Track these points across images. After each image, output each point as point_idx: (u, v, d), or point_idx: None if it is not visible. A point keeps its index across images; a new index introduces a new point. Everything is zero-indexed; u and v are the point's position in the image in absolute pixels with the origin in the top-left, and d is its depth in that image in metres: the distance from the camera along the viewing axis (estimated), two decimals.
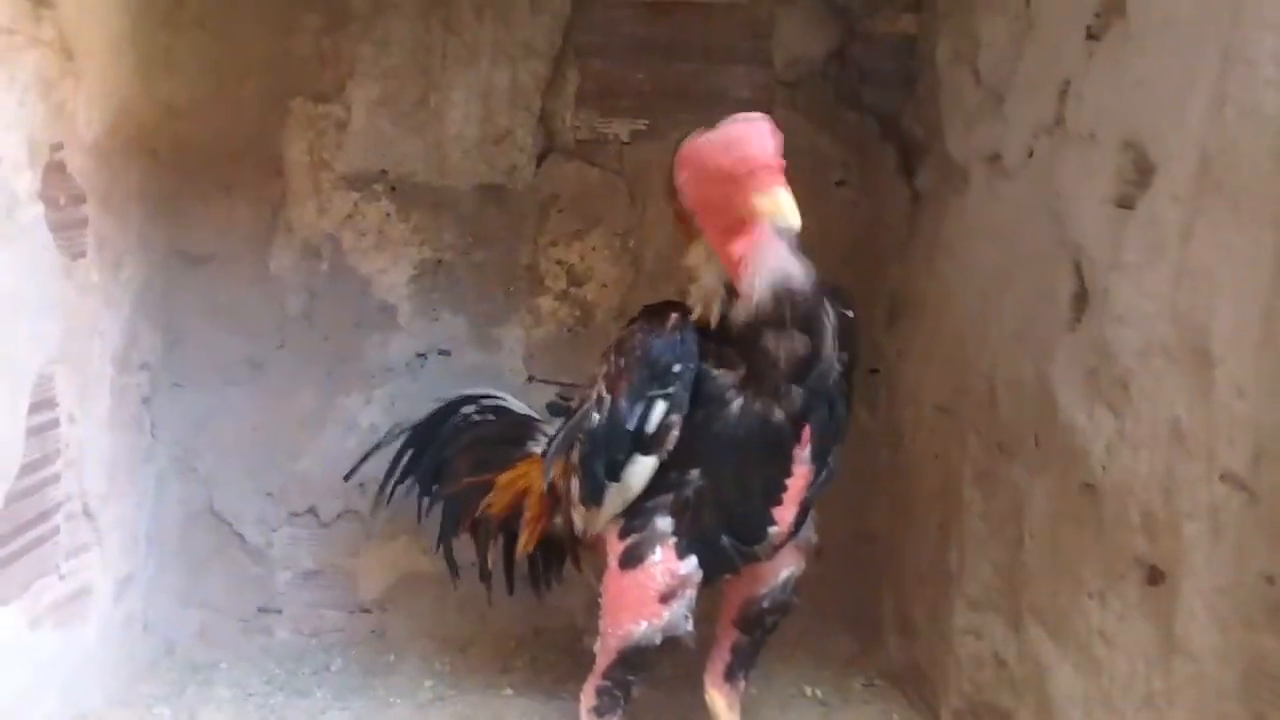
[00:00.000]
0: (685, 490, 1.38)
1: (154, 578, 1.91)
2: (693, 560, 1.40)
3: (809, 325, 1.29)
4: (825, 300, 1.31)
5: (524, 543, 1.68)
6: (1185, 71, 1.13)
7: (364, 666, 1.94)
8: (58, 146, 1.54)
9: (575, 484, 1.47)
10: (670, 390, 1.33)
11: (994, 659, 1.54)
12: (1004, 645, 1.51)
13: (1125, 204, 1.23)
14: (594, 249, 2.06)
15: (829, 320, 1.31)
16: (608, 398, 1.39)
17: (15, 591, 1.47)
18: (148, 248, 1.84)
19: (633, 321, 1.44)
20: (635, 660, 1.43)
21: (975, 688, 1.60)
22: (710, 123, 1.32)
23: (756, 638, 1.54)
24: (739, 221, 1.27)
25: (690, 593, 1.41)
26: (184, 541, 1.99)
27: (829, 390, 1.33)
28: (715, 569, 1.43)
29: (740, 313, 1.31)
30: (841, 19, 2.03)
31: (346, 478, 1.94)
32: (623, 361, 1.39)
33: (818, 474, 1.38)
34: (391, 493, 1.87)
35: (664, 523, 1.40)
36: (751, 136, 1.20)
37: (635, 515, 1.41)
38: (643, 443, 1.35)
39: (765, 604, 1.51)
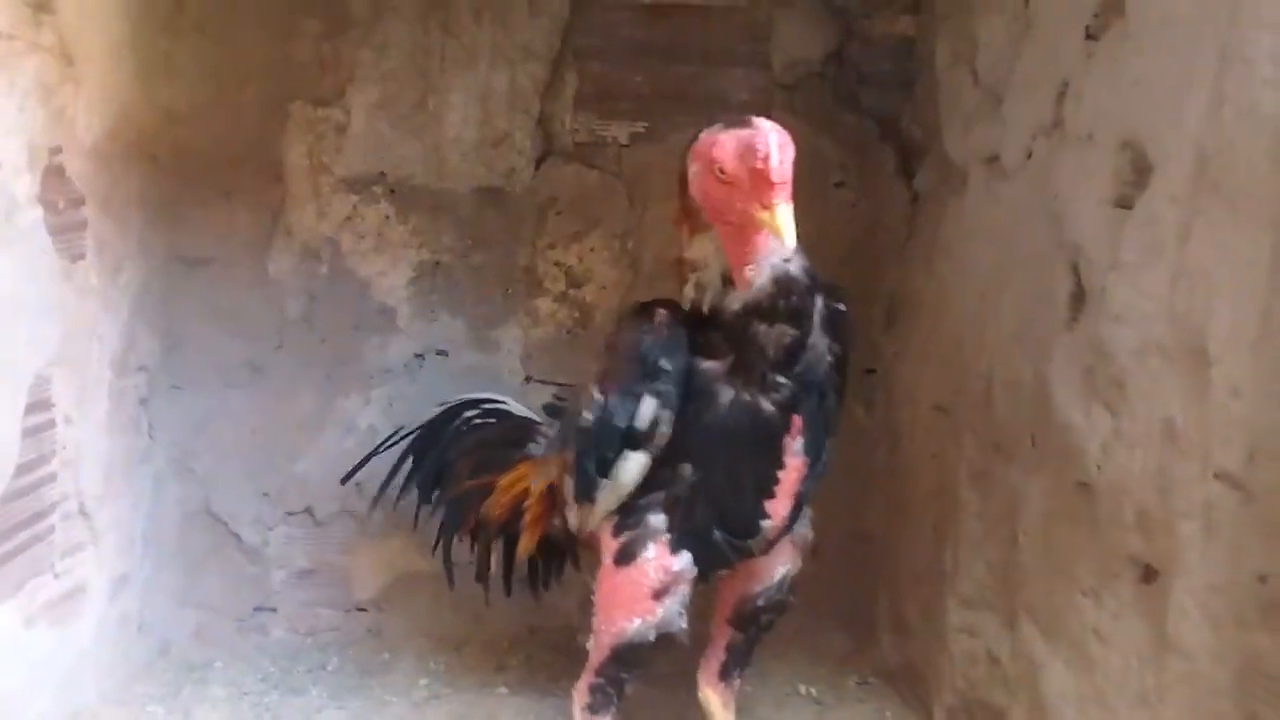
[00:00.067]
0: (677, 486, 1.39)
1: (150, 577, 1.91)
2: (686, 556, 1.40)
3: (798, 316, 1.30)
4: (817, 294, 1.32)
5: (524, 544, 1.68)
6: (1183, 71, 1.13)
7: (360, 665, 1.94)
8: (57, 150, 1.54)
9: (569, 482, 1.47)
10: (660, 386, 1.33)
11: (988, 657, 1.54)
12: (998, 643, 1.51)
13: (1123, 204, 1.24)
14: (592, 251, 2.06)
15: (817, 311, 1.31)
16: (599, 395, 1.40)
17: (10, 590, 1.47)
18: (147, 251, 1.85)
19: (623, 318, 1.44)
20: (629, 657, 1.43)
21: (969, 685, 1.60)
22: (712, 124, 1.31)
23: (751, 636, 1.55)
24: (743, 220, 1.27)
25: (684, 589, 1.41)
26: (180, 541, 2.00)
27: (819, 381, 1.34)
28: (709, 565, 1.43)
29: (734, 301, 1.32)
30: (840, 21, 2.03)
31: (344, 481, 1.95)
32: (613, 359, 1.40)
33: (811, 467, 1.38)
34: (396, 497, 1.87)
35: (657, 519, 1.40)
36: (766, 147, 1.20)
37: (628, 512, 1.41)
38: (634, 439, 1.36)
39: (760, 602, 1.51)
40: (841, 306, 1.35)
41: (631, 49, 2.02)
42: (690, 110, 1.96)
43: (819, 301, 1.32)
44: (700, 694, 1.57)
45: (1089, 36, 1.34)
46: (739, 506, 1.39)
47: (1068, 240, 1.36)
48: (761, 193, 1.21)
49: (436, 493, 1.83)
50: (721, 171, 1.24)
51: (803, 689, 1.88)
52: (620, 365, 1.37)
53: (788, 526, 1.44)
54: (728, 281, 1.33)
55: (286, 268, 1.99)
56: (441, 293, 2.03)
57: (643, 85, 2.03)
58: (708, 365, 1.34)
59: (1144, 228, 1.19)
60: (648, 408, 1.34)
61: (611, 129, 2.04)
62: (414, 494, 1.86)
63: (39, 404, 1.51)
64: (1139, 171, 1.21)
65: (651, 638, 1.41)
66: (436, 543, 1.82)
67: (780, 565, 1.51)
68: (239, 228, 1.97)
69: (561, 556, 1.73)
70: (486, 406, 1.88)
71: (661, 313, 1.38)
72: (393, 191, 2.00)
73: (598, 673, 1.46)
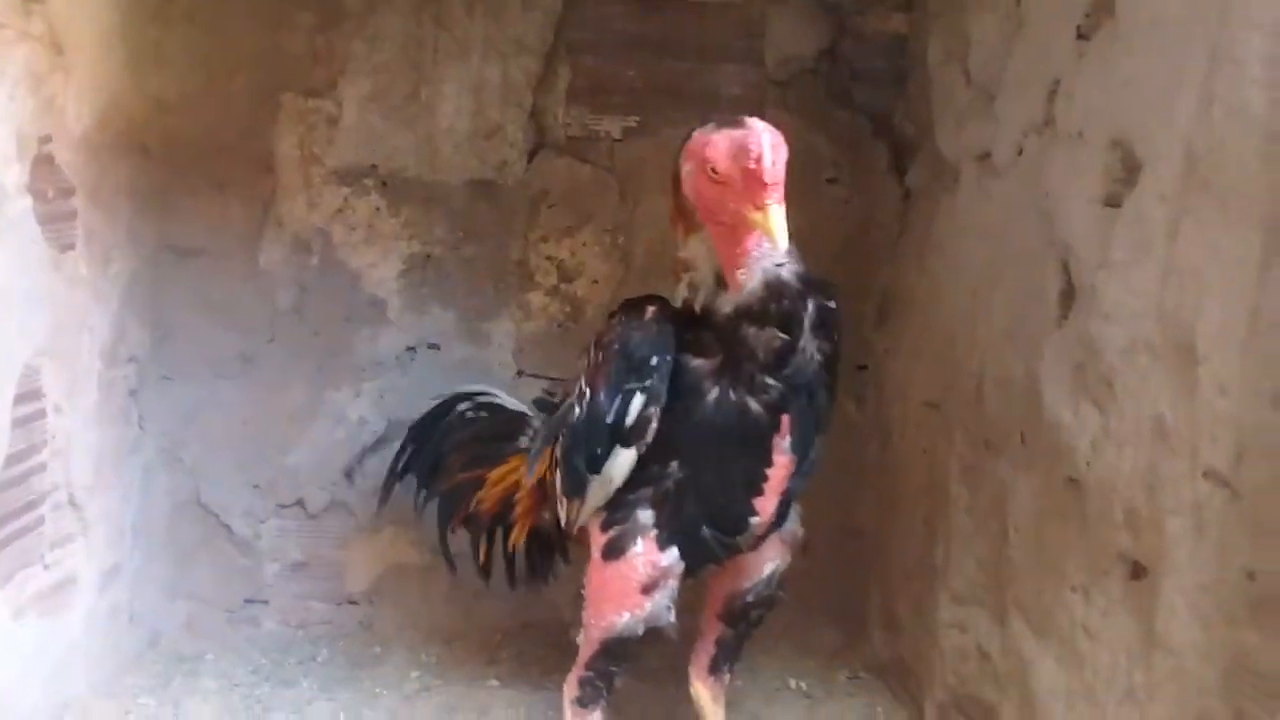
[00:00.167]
0: (665, 482, 1.39)
1: (140, 569, 1.91)
2: (674, 551, 1.41)
3: (788, 320, 1.30)
4: (808, 295, 1.32)
5: (515, 537, 1.69)
6: (1173, 71, 1.13)
7: (351, 658, 1.95)
8: (46, 140, 1.54)
9: (559, 477, 1.47)
10: (648, 382, 1.33)
11: (978, 652, 1.55)
12: (988, 639, 1.52)
13: (1113, 203, 1.24)
14: (584, 245, 2.06)
15: (807, 314, 1.31)
16: (587, 391, 1.40)
17: None
18: (137, 242, 1.84)
19: (613, 315, 1.44)
20: (618, 651, 1.44)
21: (959, 681, 1.61)
22: (704, 121, 1.31)
23: (741, 631, 1.55)
24: (735, 220, 1.27)
25: (672, 584, 1.42)
26: (171, 533, 1.99)
27: (809, 382, 1.34)
28: (697, 560, 1.43)
29: (725, 304, 1.32)
30: (833, 18, 2.03)
31: (348, 475, 1.95)
32: (601, 355, 1.40)
33: (799, 464, 1.39)
34: (390, 490, 1.88)
35: (645, 515, 1.40)
36: (758, 148, 1.20)
37: (617, 508, 1.42)
38: (622, 435, 1.36)
39: (750, 598, 1.52)
40: (832, 304, 1.35)
41: (625, 43, 2.02)
42: (683, 106, 1.97)
43: (810, 305, 1.32)
44: (691, 688, 1.58)
45: (1080, 36, 1.34)
46: (727, 503, 1.39)
47: (1058, 238, 1.36)
48: (754, 193, 1.21)
49: (430, 484, 1.84)
50: (714, 171, 1.24)
51: (793, 683, 1.89)
52: (609, 362, 1.37)
53: (776, 523, 1.44)
54: (720, 282, 1.33)
55: (277, 259, 1.99)
56: (433, 285, 2.03)
57: (635, 80, 2.03)
58: (696, 363, 1.34)
59: (1133, 226, 1.20)
60: (636, 404, 1.34)
61: (604, 123, 2.04)
62: (409, 486, 1.86)
63: (29, 394, 1.51)
64: (1129, 170, 1.21)
65: (640, 632, 1.42)
66: (441, 534, 1.83)
67: (770, 561, 1.51)
68: (230, 218, 1.96)
69: (552, 550, 1.73)
70: (479, 399, 1.88)
71: (651, 309, 1.38)
72: (384, 183, 2.00)
73: (587, 666, 1.47)
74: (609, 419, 1.35)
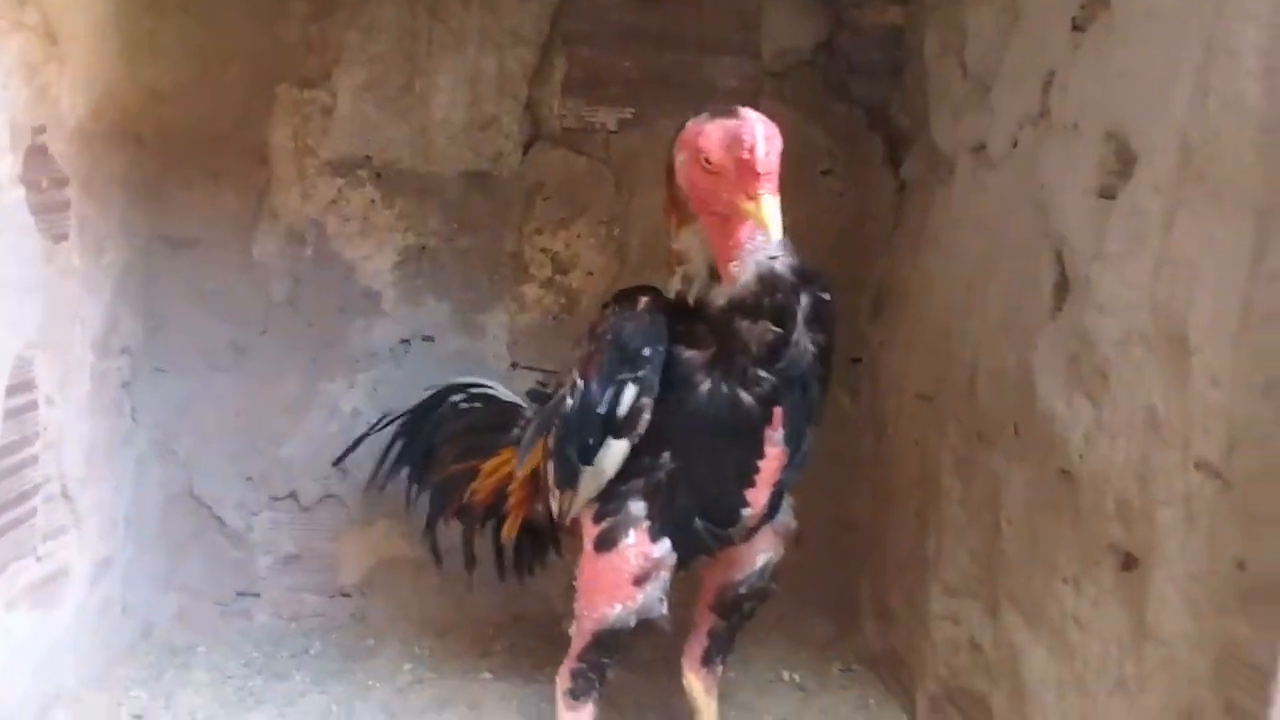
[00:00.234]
0: (657, 474, 1.39)
1: (133, 560, 1.90)
2: (666, 543, 1.41)
3: (781, 314, 1.30)
4: (801, 288, 1.31)
5: (507, 528, 1.69)
6: (1168, 63, 1.13)
7: (343, 650, 1.94)
8: (40, 130, 1.53)
9: (551, 468, 1.47)
10: (640, 373, 1.33)
11: (970, 644, 1.55)
12: (980, 630, 1.52)
13: (1107, 194, 1.24)
14: (579, 237, 2.06)
15: (801, 307, 1.31)
16: (580, 382, 1.40)
17: None
18: (130, 232, 1.84)
19: (606, 305, 1.44)
20: (610, 643, 1.44)
21: (951, 672, 1.61)
22: (699, 114, 1.31)
23: (734, 623, 1.55)
24: (729, 211, 1.27)
25: (664, 575, 1.42)
26: (163, 525, 1.99)
27: (802, 374, 1.34)
28: (689, 551, 1.43)
29: (719, 296, 1.31)
30: (829, 10, 2.03)
31: (336, 464, 1.94)
32: (594, 346, 1.39)
33: (792, 456, 1.38)
34: (382, 480, 1.88)
35: (637, 506, 1.40)
36: (752, 137, 1.19)
37: (609, 499, 1.41)
38: (614, 426, 1.35)
39: (743, 590, 1.52)
40: (826, 296, 1.34)
41: (621, 34, 2.01)
42: (679, 97, 1.96)
43: (804, 299, 1.31)
44: (684, 680, 1.58)
45: (1075, 27, 1.34)
46: (719, 494, 1.39)
47: (1053, 230, 1.36)
48: (747, 183, 1.21)
49: (422, 475, 1.84)
50: (707, 161, 1.24)
51: (786, 675, 1.90)
52: (602, 352, 1.37)
53: (768, 515, 1.44)
54: (714, 274, 1.33)
55: (271, 250, 1.98)
56: (427, 277, 2.02)
57: (631, 71, 2.02)
58: (689, 354, 1.34)
59: (1128, 217, 1.20)
60: (628, 395, 1.34)
61: (599, 115, 2.03)
62: (401, 478, 1.87)
63: (21, 385, 1.50)
64: (1123, 162, 1.22)
65: (632, 623, 1.42)
66: (427, 527, 1.82)
67: (762, 553, 1.51)
68: (223, 209, 1.95)
69: (544, 542, 1.73)
70: (473, 391, 1.88)
71: (644, 300, 1.37)
72: (379, 175, 1.99)
73: (579, 658, 1.47)
74: (601, 409, 1.35)
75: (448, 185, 2.01)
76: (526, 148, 2.03)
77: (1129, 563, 1.16)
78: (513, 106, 2.01)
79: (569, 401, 1.41)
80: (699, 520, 1.40)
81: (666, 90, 2.01)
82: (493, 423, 1.79)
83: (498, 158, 2.02)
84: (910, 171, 1.90)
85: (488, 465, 1.72)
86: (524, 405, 1.81)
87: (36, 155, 1.52)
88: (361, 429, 1.96)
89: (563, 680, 1.50)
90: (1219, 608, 1.01)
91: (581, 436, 1.38)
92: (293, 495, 2.03)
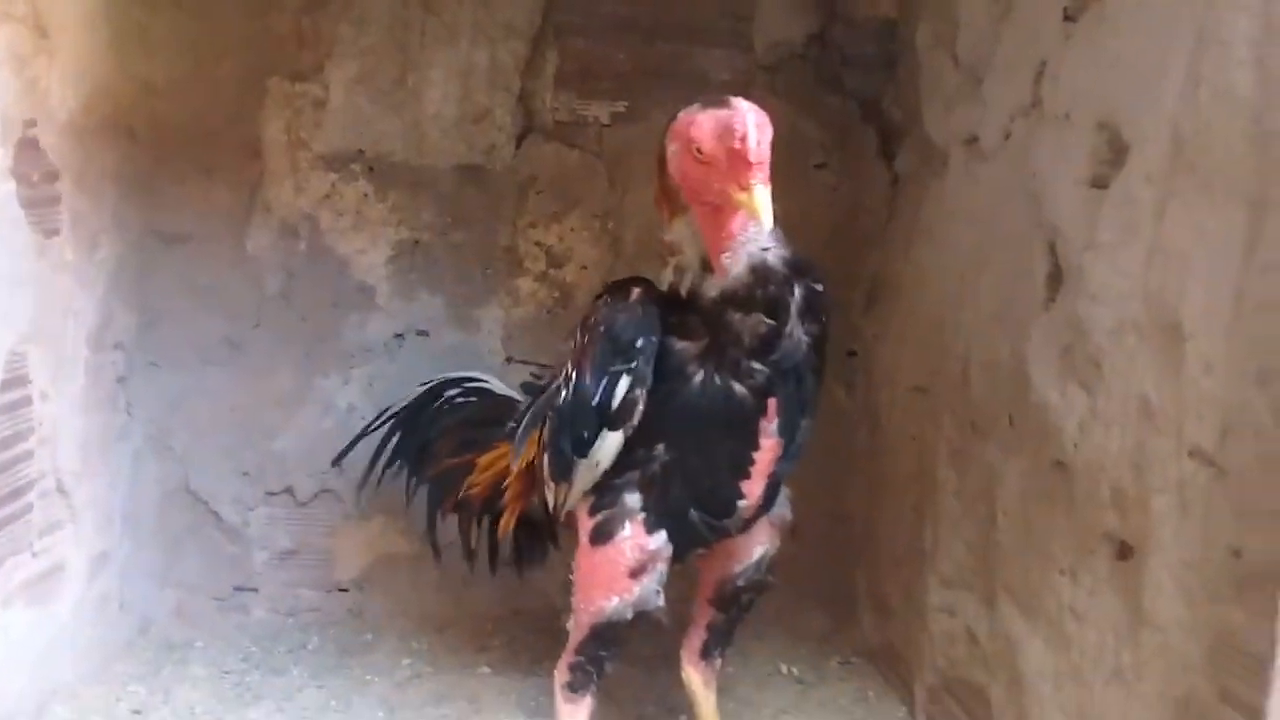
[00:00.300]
0: (652, 466, 1.39)
1: (129, 556, 1.90)
2: (662, 535, 1.41)
3: (774, 306, 1.29)
4: (794, 279, 1.31)
5: (504, 523, 1.68)
6: (1160, 53, 1.14)
7: (341, 645, 1.94)
8: (31, 123, 1.53)
9: (546, 461, 1.47)
10: (633, 365, 1.33)
11: (967, 636, 1.55)
12: (977, 622, 1.52)
13: (1100, 184, 1.25)
14: (573, 230, 2.06)
15: (794, 300, 1.30)
16: (573, 374, 1.39)
17: None
18: (123, 227, 1.83)
19: (599, 297, 1.44)
20: (607, 636, 1.44)
21: (949, 664, 1.62)
22: (690, 104, 1.31)
23: (732, 616, 1.55)
24: (721, 201, 1.26)
25: (661, 567, 1.42)
26: (160, 520, 1.99)
27: (797, 366, 1.33)
28: (685, 544, 1.43)
29: (711, 288, 1.31)
30: (822, 2, 2.04)
31: (335, 463, 1.94)
32: (587, 337, 1.39)
33: (787, 447, 1.38)
34: (380, 477, 1.88)
35: (632, 499, 1.40)
36: (743, 127, 1.19)
37: (604, 492, 1.41)
38: (608, 418, 1.35)
39: (740, 582, 1.52)
40: (819, 286, 1.34)
41: (613, 27, 2.01)
42: (672, 90, 1.95)
43: (797, 291, 1.31)
44: (682, 674, 1.58)
45: (1067, 18, 1.34)
46: (714, 486, 1.39)
47: (1045, 220, 1.36)
48: (739, 173, 1.20)
49: (419, 470, 1.84)
50: (699, 151, 1.24)
51: (784, 669, 1.90)
52: (594, 344, 1.37)
53: (764, 506, 1.44)
54: (706, 265, 1.32)
55: (265, 244, 1.98)
56: (421, 271, 2.02)
57: (624, 64, 2.02)
58: (682, 346, 1.34)
59: (1120, 207, 1.20)
60: (622, 386, 1.33)
61: (592, 108, 2.03)
62: (397, 474, 1.86)
63: (15, 380, 1.50)
64: (1115, 151, 1.22)
65: (629, 616, 1.42)
66: (428, 522, 1.83)
67: (759, 545, 1.51)
68: (216, 204, 1.95)
69: (542, 536, 1.73)
70: (468, 385, 1.87)
71: (636, 291, 1.37)
72: (372, 168, 1.99)
73: (577, 652, 1.47)
74: (595, 401, 1.35)
75: (441, 179, 2.01)
76: (519, 141, 2.03)
77: (1124, 551, 1.17)
78: (505, 99, 2.01)
79: (563, 394, 1.41)
80: (694, 512, 1.40)
81: (659, 83, 2.01)
82: (488, 417, 1.79)
83: (491, 151, 2.01)
84: (903, 164, 1.90)
85: (484, 459, 1.72)
86: (519, 399, 1.80)
87: (27, 149, 1.51)
88: (356, 424, 1.96)
89: (561, 674, 1.50)
90: (1214, 595, 1.02)
91: (576, 429, 1.38)
92: (289, 490, 2.03)
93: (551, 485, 1.47)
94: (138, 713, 1.68)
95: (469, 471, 1.74)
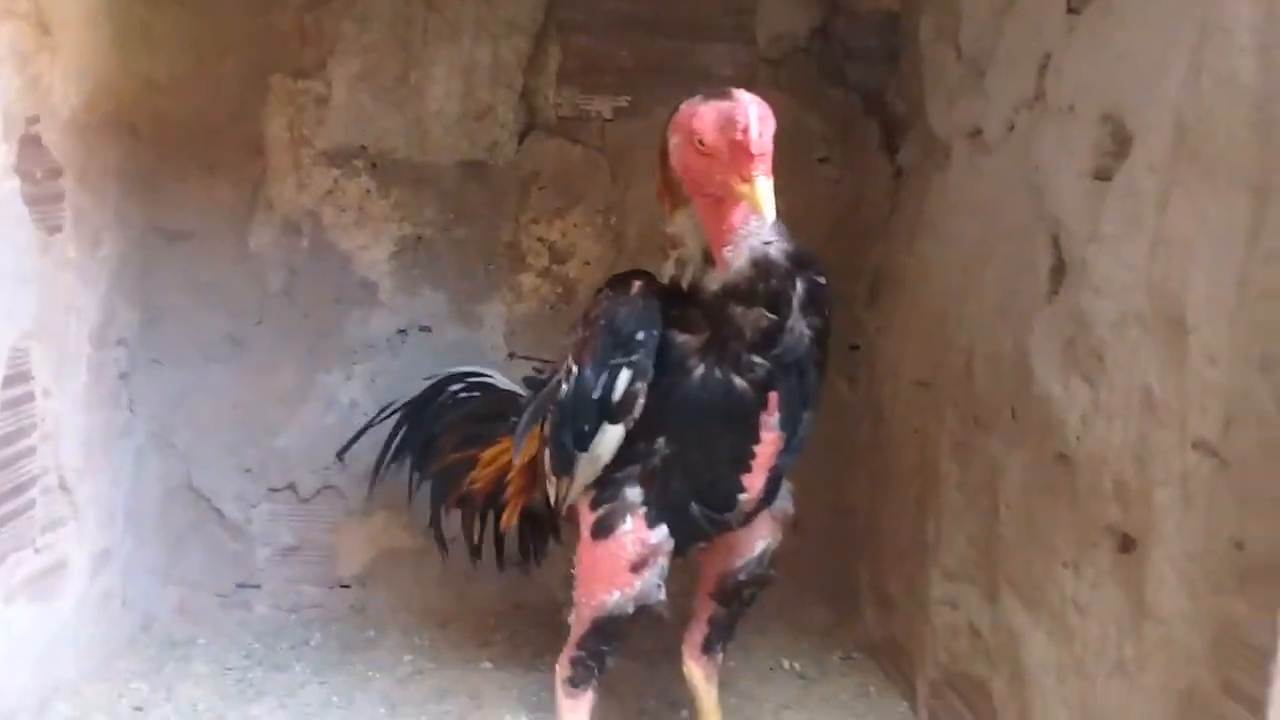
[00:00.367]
0: (653, 459, 1.38)
1: (132, 553, 1.90)
2: (663, 529, 1.40)
3: (776, 300, 1.29)
4: (796, 273, 1.30)
5: (507, 517, 1.68)
6: (1163, 42, 1.13)
7: (343, 641, 1.94)
8: (34, 120, 1.53)
9: (547, 455, 1.47)
10: (634, 358, 1.32)
11: (969, 629, 1.55)
12: (979, 615, 1.52)
13: (1103, 176, 1.24)
14: (575, 226, 2.05)
15: (796, 293, 1.30)
16: (574, 368, 1.39)
17: None
18: (125, 224, 1.83)
19: (600, 290, 1.43)
20: (609, 630, 1.43)
21: (951, 658, 1.61)
22: (692, 96, 1.31)
23: (734, 610, 1.55)
24: (723, 193, 1.26)
25: (662, 561, 1.41)
26: (162, 517, 1.99)
27: (799, 360, 1.33)
28: (687, 538, 1.43)
29: (712, 282, 1.31)
30: None
31: (339, 456, 1.95)
32: (588, 331, 1.39)
33: (788, 441, 1.37)
34: (384, 470, 1.88)
35: (633, 492, 1.40)
36: (745, 119, 1.19)
37: (605, 486, 1.41)
38: (609, 411, 1.35)
39: (742, 577, 1.51)
40: (822, 279, 1.34)
41: (615, 22, 2.01)
42: (674, 85, 1.91)
43: (799, 285, 1.30)
44: (684, 668, 1.57)
45: (1071, 9, 1.34)
46: (715, 480, 1.38)
47: (1049, 213, 1.36)
48: (741, 165, 1.20)
49: (423, 465, 1.84)
50: (701, 143, 1.23)
51: (786, 663, 1.90)
52: (595, 337, 1.36)
53: (765, 500, 1.44)
54: (708, 259, 1.32)
55: (267, 241, 1.98)
56: (423, 267, 2.02)
57: (626, 59, 2.02)
58: (683, 339, 1.33)
59: (1123, 199, 1.19)
60: (622, 380, 1.33)
61: (595, 103, 2.03)
62: (402, 469, 1.86)
63: (17, 376, 1.50)
64: (1119, 143, 1.21)
65: (631, 610, 1.41)
66: (432, 518, 1.83)
67: (760, 539, 1.50)
68: (219, 200, 1.95)
69: (545, 530, 1.73)
70: (472, 380, 1.87)
71: (636, 284, 1.37)
72: (374, 165, 1.99)
73: (578, 646, 1.47)
74: (596, 395, 1.34)
75: (443, 175, 2.01)
76: (522, 137, 2.02)
77: (1127, 544, 1.16)
78: (508, 96, 2.00)
79: (564, 387, 1.41)
80: (695, 506, 1.40)
81: (662, 78, 2.00)
82: (491, 411, 1.79)
83: (493, 147, 2.01)
84: (906, 157, 1.89)
85: (487, 454, 1.72)
86: (523, 394, 1.80)
87: (30, 146, 1.51)
88: (359, 420, 1.97)
89: (562, 669, 1.49)
90: (1217, 587, 1.01)
91: (577, 423, 1.38)
92: (291, 487, 2.03)
93: (553, 479, 1.47)
94: (140, 710, 1.69)
95: (472, 466, 1.74)
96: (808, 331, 1.31)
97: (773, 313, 1.29)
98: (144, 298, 1.91)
